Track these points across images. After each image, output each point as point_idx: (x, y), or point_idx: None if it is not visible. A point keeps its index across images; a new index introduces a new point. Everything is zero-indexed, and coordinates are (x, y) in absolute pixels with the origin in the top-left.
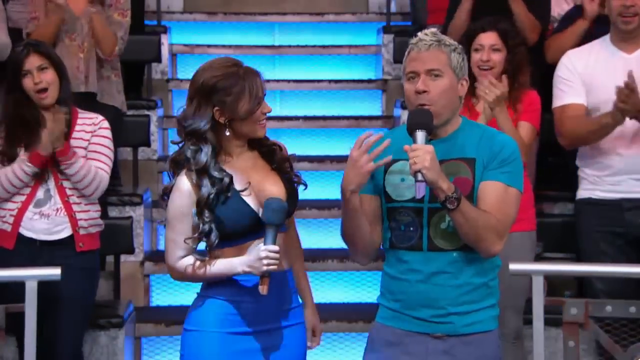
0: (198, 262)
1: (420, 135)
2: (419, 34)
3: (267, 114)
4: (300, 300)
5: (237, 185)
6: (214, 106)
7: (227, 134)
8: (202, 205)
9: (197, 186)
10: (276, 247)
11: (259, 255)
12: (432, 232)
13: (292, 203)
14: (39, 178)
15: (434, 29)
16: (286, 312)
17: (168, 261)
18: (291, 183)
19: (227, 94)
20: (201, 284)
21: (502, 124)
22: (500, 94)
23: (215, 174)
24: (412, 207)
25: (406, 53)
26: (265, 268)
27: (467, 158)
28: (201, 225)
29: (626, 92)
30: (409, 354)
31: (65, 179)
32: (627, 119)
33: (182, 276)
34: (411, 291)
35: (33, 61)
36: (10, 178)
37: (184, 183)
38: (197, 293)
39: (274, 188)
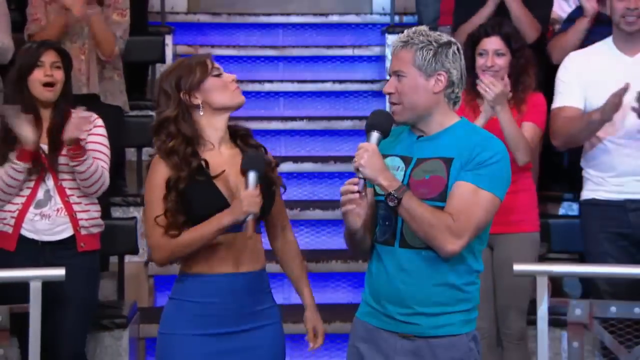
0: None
1: (373, 136)
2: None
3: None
4: (274, 301)
5: (212, 172)
6: (179, 91)
7: (201, 113)
8: (170, 185)
9: (170, 165)
10: (254, 191)
11: (240, 199)
12: (404, 229)
13: (266, 204)
14: (37, 176)
15: (415, 28)
16: (260, 313)
17: (151, 241)
18: (268, 185)
19: (183, 75)
20: (173, 287)
21: (504, 123)
22: (500, 92)
23: (190, 158)
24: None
25: None
26: (245, 209)
27: (446, 157)
28: (167, 204)
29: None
30: (379, 351)
31: (64, 179)
32: (628, 119)
33: (169, 251)
34: (381, 287)
35: (50, 56)
36: (4, 178)
37: (156, 161)
38: (169, 296)
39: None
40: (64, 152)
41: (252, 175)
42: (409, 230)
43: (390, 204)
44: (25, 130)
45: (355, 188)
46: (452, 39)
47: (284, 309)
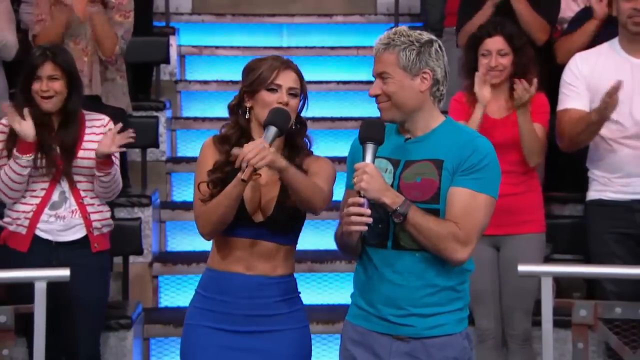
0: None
1: (368, 149)
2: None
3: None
4: (301, 304)
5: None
6: (243, 85)
7: (247, 116)
8: (216, 166)
9: (219, 151)
10: (262, 141)
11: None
12: (397, 231)
13: (281, 223)
14: (52, 178)
15: (395, 29)
16: (266, 317)
17: (195, 211)
18: (287, 206)
19: (251, 73)
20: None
21: (524, 126)
22: (530, 96)
23: (235, 149)
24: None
25: None
26: (238, 152)
27: (436, 159)
28: (210, 177)
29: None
30: (373, 354)
31: (79, 181)
32: (634, 120)
33: (202, 217)
34: (374, 289)
35: (47, 69)
36: (8, 173)
37: (206, 143)
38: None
39: (268, 197)
40: (79, 155)
41: (270, 129)
42: (403, 232)
43: (396, 220)
44: (22, 125)
45: (368, 211)
46: (433, 37)
47: None
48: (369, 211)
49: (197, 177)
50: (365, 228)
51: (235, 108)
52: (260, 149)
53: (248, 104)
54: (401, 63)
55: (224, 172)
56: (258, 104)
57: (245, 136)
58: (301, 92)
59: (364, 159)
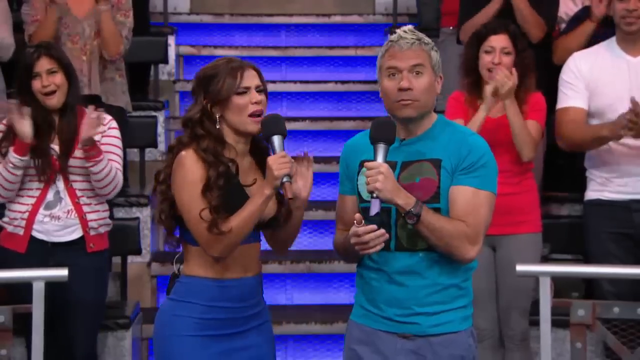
0: (227, 219)
1: (380, 149)
2: (398, 31)
3: (259, 113)
4: (265, 301)
5: (242, 179)
6: (204, 96)
7: (217, 126)
8: (210, 183)
9: (206, 162)
10: (282, 153)
11: (269, 167)
12: (399, 232)
13: (278, 221)
14: (46, 179)
15: (411, 27)
16: (256, 314)
17: (201, 239)
18: (281, 196)
19: (212, 81)
20: (175, 289)
21: (512, 118)
22: (512, 85)
23: (223, 158)
24: (381, 207)
25: (384, 50)
26: (276, 173)
27: (434, 159)
28: (212, 201)
29: (635, 119)
30: (378, 352)
31: (75, 181)
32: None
33: (225, 243)
34: (378, 290)
35: (43, 64)
36: (2, 173)
37: (189, 157)
38: (169, 298)
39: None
40: (76, 154)
41: (275, 139)
42: (404, 233)
43: (410, 221)
44: (22, 124)
45: (386, 236)
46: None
47: (286, 309)
48: (385, 235)
49: (191, 203)
50: (382, 245)
51: (201, 120)
52: (288, 161)
53: (217, 113)
54: (432, 62)
55: (221, 188)
56: (231, 111)
57: (221, 144)
58: (264, 87)
59: (375, 159)
